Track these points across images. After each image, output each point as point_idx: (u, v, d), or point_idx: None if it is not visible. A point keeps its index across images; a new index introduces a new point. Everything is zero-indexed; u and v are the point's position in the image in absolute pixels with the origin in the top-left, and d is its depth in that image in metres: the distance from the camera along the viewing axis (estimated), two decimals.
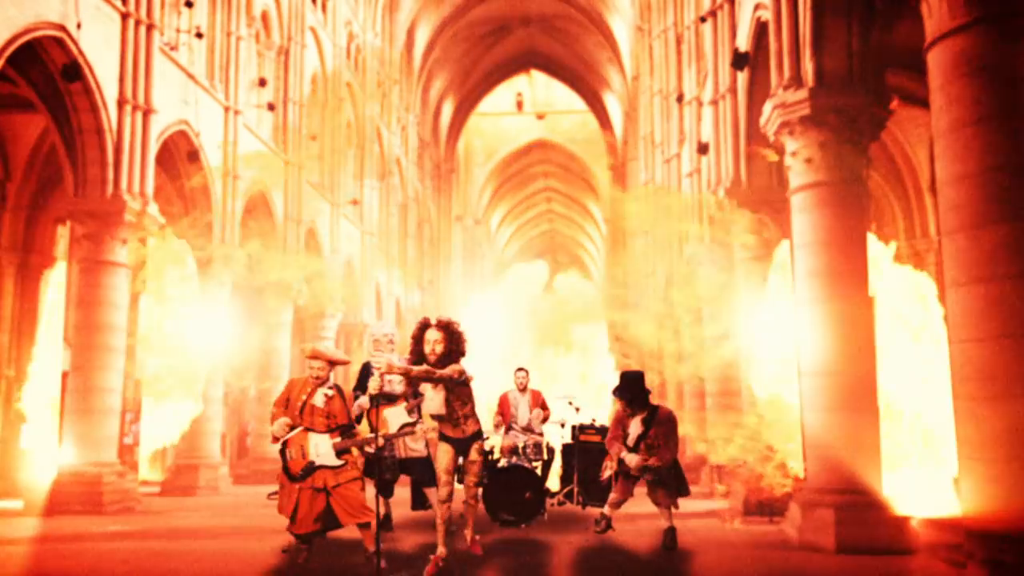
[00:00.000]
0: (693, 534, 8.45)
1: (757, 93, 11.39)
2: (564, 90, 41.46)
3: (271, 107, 18.39)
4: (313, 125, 21.18)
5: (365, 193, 25.79)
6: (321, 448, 6.37)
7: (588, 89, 39.29)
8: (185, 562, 7.18)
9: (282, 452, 6.41)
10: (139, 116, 12.44)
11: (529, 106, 45.48)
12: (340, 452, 6.40)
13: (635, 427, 7.63)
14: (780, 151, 9.37)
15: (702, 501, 12.60)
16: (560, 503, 9.98)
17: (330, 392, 6.57)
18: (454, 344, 5.90)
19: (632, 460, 7.45)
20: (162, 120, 13.30)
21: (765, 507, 10.44)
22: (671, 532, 7.45)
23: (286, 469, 6.42)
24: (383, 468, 7.70)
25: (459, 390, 6.05)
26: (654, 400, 7.88)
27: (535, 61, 38.74)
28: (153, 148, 12.82)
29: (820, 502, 8.14)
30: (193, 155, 14.10)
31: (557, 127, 45.20)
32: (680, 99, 18.61)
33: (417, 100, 34.77)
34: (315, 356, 6.60)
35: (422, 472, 7.86)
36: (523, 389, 9.57)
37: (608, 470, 7.83)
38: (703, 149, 14.39)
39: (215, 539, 8.69)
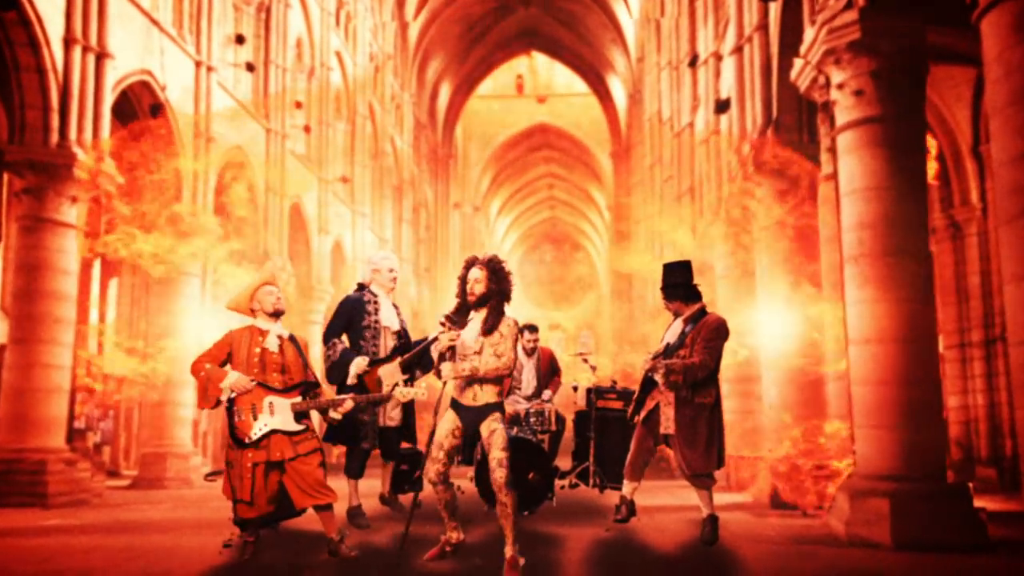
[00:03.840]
0: (724, 528, 7.23)
1: (787, 35, 10.38)
2: (566, 72, 40.39)
3: (250, 67, 17.07)
4: (299, 93, 19.88)
5: (356, 171, 24.49)
6: (277, 409, 5.15)
7: (591, 71, 38.25)
8: (119, 559, 5.98)
9: (229, 412, 5.15)
10: (91, 59, 11.12)
11: (530, 89, 44.38)
12: (299, 416, 5.20)
13: (675, 329, 5.92)
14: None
15: (721, 494, 11.49)
16: (572, 485, 8.41)
17: (285, 333, 5.40)
18: (497, 283, 5.03)
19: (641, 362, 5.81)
20: (120, 67, 12.00)
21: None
22: (710, 523, 5.97)
23: (233, 434, 5.15)
24: (362, 435, 6.33)
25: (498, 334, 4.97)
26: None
27: (536, 42, 37.65)
28: (108, 97, 11.49)
29: (873, 490, 7.03)
30: (157, 109, 12.79)
31: (559, 111, 44.01)
32: (694, 62, 17.46)
33: (413, 79, 33.53)
34: (274, 283, 5.43)
35: (387, 443, 6.55)
36: (531, 353, 8.18)
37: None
38: (723, 106, 13.20)
39: (165, 534, 7.54)
